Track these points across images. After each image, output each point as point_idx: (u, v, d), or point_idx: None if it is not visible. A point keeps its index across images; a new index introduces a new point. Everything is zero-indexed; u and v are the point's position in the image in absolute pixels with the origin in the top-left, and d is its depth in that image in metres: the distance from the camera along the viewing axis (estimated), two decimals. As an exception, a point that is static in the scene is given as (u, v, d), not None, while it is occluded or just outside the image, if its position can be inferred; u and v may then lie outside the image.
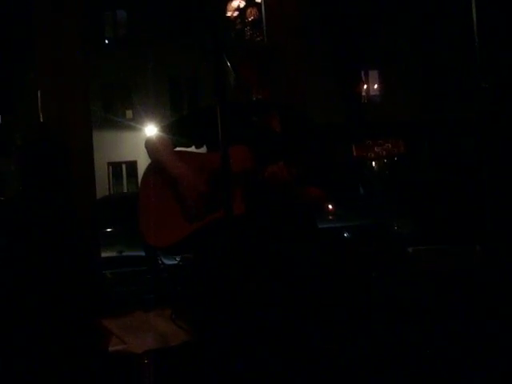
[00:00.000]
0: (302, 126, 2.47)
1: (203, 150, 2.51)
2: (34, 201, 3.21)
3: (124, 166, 19.56)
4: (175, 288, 3.18)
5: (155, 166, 2.43)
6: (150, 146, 2.47)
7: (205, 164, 2.32)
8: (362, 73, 19.54)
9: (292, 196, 2.30)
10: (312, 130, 2.48)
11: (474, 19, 3.65)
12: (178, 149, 2.47)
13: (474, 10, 3.67)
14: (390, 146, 2.14)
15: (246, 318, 1.82)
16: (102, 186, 17.03)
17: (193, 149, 2.48)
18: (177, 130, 2.48)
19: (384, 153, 2.14)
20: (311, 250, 2.36)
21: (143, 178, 2.45)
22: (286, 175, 2.18)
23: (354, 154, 2.16)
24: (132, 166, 18.88)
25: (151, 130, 16.46)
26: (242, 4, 7.05)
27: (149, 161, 2.47)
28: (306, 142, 2.40)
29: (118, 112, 19.74)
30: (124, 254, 6.41)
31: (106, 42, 19.87)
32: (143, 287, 3.39)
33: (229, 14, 7.21)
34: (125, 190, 19.19)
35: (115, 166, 19.54)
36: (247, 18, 7.09)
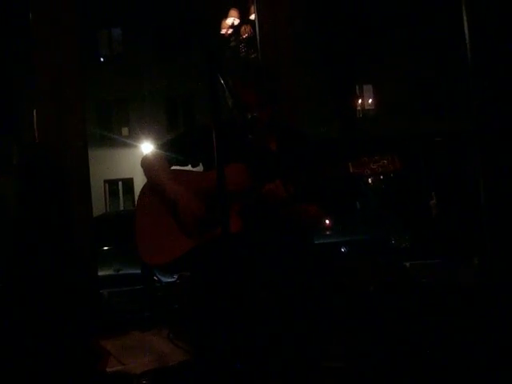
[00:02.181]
0: (299, 145, 2.47)
1: (199, 168, 2.52)
2: (30, 220, 3.20)
3: (120, 184, 19.55)
4: (172, 306, 3.17)
5: (151, 185, 2.43)
6: (145, 164, 2.48)
7: (201, 183, 2.32)
8: (357, 87, 19.63)
9: (289, 213, 2.30)
10: (309, 150, 2.49)
11: (467, 36, 3.68)
12: (173, 167, 2.48)
13: (466, 26, 3.70)
14: (385, 162, 2.15)
15: (244, 335, 1.80)
16: (99, 203, 17.02)
17: (189, 167, 2.49)
18: (173, 149, 2.49)
19: (380, 169, 2.15)
20: (307, 266, 2.35)
21: (140, 196, 2.45)
22: (283, 193, 2.19)
23: (351, 170, 2.16)
24: (128, 183, 18.88)
25: (147, 147, 16.50)
26: (237, 21, 7.11)
27: (145, 179, 2.48)
28: (303, 161, 2.41)
29: (114, 129, 19.78)
30: (121, 272, 6.38)
31: (102, 59, 19.94)
32: (141, 306, 3.38)
33: (223, 31, 7.26)
34: (121, 208, 19.16)
35: (111, 184, 19.53)
36: (241, 36, 7.15)
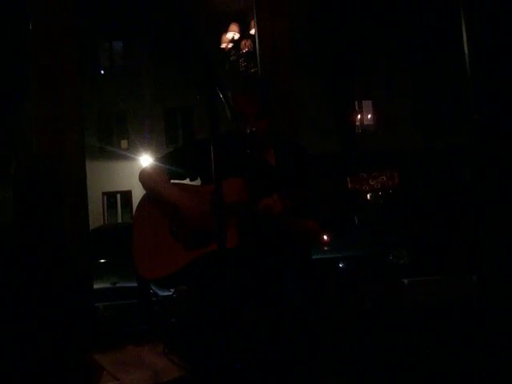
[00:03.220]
0: (297, 160, 2.47)
1: (197, 182, 2.51)
2: (27, 231, 3.18)
3: (119, 196, 19.53)
4: (169, 321, 3.14)
5: (150, 197, 2.42)
6: (145, 176, 2.46)
7: (201, 196, 2.31)
8: (356, 103, 19.70)
9: (286, 227, 2.29)
10: (308, 164, 2.49)
11: (466, 51, 3.69)
12: (172, 181, 2.47)
13: (465, 42, 3.71)
14: (384, 178, 2.14)
15: (240, 351, 1.78)
16: (97, 216, 16.99)
17: (187, 181, 2.48)
18: (172, 162, 2.48)
19: (378, 185, 2.15)
20: (305, 281, 2.33)
21: (137, 209, 2.44)
22: (281, 207, 2.18)
23: (349, 186, 2.15)
24: (127, 196, 18.86)
25: (146, 159, 16.51)
26: (237, 36, 7.15)
27: (143, 191, 2.46)
28: (301, 174, 2.40)
29: (113, 142, 19.80)
30: (118, 285, 6.35)
31: (102, 72, 20.01)
32: (136, 320, 3.35)
33: (223, 45, 7.30)
34: (119, 221, 19.12)
35: (110, 196, 19.51)
36: (241, 50, 7.18)
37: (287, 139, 2.65)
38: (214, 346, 2.12)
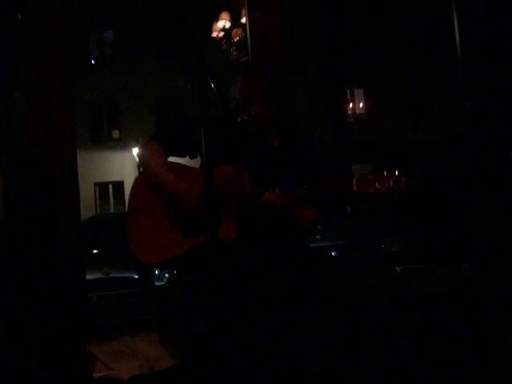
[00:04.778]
0: (304, 147, 2.45)
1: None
2: (18, 221, 3.17)
3: (111, 187, 19.47)
4: (163, 311, 3.14)
5: (144, 180, 2.40)
6: (144, 157, 2.44)
7: (197, 180, 2.28)
8: (348, 91, 19.67)
9: (286, 217, 2.26)
10: (313, 147, 2.46)
11: (457, 39, 3.69)
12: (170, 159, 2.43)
13: (456, 30, 3.71)
14: (391, 183, 2.07)
15: (236, 342, 1.79)
16: (89, 206, 16.93)
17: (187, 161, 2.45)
18: (171, 139, 2.45)
19: (384, 190, 2.07)
20: (304, 271, 2.32)
21: (133, 191, 2.42)
22: (282, 204, 2.16)
23: (354, 188, 2.10)
24: (119, 186, 18.80)
25: (138, 150, 16.43)
26: (228, 25, 7.11)
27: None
28: (307, 158, 2.38)
29: (104, 132, 19.72)
30: (111, 275, 6.34)
31: (93, 62, 19.88)
32: (130, 310, 3.35)
33: (214, 34, 7.26)
34: (112, 211, 19.06)
35: (102, 187, 19.45)
36: (233, 39, 7.14)
37: (294, 126, 2.62)
38: (209, 335, 2.12)
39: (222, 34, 7.17)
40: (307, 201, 2.21)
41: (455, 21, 3.71)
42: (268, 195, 2.16)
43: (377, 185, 2.08)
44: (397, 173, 2.09)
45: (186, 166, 2.41)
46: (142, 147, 2.49)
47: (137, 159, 2.50)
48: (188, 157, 2.48)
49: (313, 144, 2.49)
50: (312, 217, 2.38)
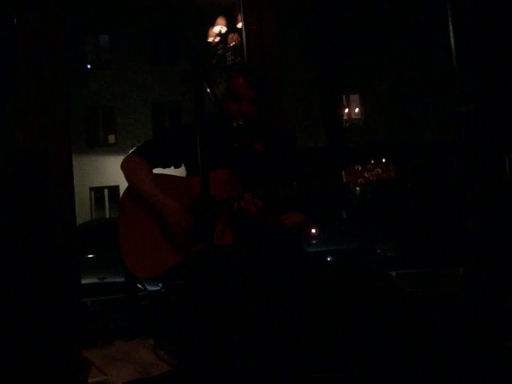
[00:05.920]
0: (286, 148, 2.45)
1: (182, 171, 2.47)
2: (13, 226, 3.16)
3: (106, 191, 19.44)
4: (158, 316, 3.13)
5: (135, 192, 2.38)
6: (128, 170, 2.40)
7: (187, 191, 2.28)
8: (344, 97, 19.70)
9: (262, 226, 2.24)
10: (296, 152, 2.47)
11: (453, 45, 3.70)
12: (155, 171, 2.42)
13: (452, 36, 3.72)
14: (379, 171, 2.09)
15: (232, 347, 1.78)
16: (84, 211, 16.90)
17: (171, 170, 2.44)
18: (155, 150, 2.43)
19: (374, 178, 2.09)
20: (297, 277, 2.31)
21: (123, 200, 2.40)
22: (253, 208, 2.13)
23: (344, 180, 2.11)
24: (114, 191, 18.77)
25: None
26: (224, 30, 7.13)
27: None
28: (290, 165, 2.38)
29: (100, 137, 19.70)
30: (106, 280, 6.32)
31: (88, 66, 19.87)
32: (125, 315, 3.34)
33: (210, 39, 7.27)
34: (107, 216, 19.03)
35: (97, 191, 19.41)
36: (229, 44, 7.16)
37: (276, 127, 2.62)
38: (205, 341, 2.11)
39: (218, 38, 7.18)
40: (295, 200, 2.20)
41: (450, 27, 3.73)
42: (238, 202, 2.14)
43: (366, 174, 2.09)
44: (384, 160, 2.10)
45: (176, 177, 2.39)
46: (125, 162, 2.44)
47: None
48: (172, 167, 2.47)
49: (295, 145, 2.49)
50: (299, 220, 2.37)
